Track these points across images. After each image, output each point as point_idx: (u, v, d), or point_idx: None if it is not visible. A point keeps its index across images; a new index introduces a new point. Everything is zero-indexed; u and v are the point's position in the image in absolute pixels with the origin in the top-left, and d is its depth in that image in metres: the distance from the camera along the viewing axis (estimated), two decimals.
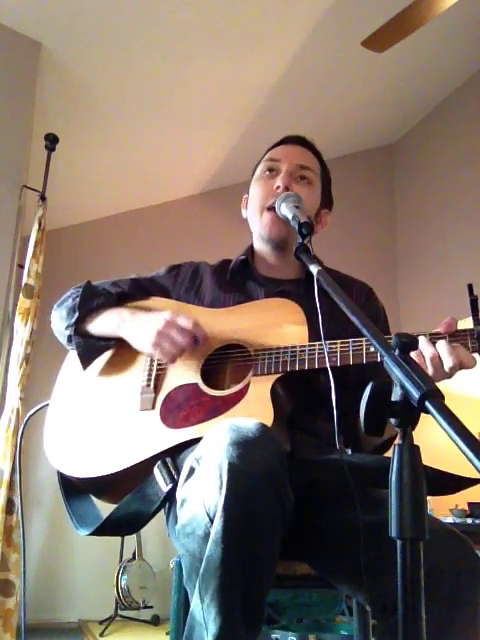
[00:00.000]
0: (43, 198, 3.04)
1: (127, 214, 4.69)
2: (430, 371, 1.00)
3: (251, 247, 1.41)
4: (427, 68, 4.19)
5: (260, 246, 1.38)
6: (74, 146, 3.64)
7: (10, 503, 2.62)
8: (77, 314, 1.27)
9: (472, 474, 0.77)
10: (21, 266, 2.99)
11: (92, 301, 1.29)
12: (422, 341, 1.03)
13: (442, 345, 1.01)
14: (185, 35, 3.31)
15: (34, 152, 3.15)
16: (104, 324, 1.28)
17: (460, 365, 1.00)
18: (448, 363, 0.99)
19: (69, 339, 1.30)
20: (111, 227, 4.63)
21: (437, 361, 1.00)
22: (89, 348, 1.29)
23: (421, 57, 3.97)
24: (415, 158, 4.96)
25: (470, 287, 1.05)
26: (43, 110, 3.28)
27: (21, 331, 2.81)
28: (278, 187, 1.28)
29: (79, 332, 1.28)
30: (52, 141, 3.12)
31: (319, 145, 1.38)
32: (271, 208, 1.27)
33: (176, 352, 1.16)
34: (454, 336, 1.04)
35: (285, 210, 1.17)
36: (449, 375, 1.02)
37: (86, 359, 1.29)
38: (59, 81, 3.42)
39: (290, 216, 1.14)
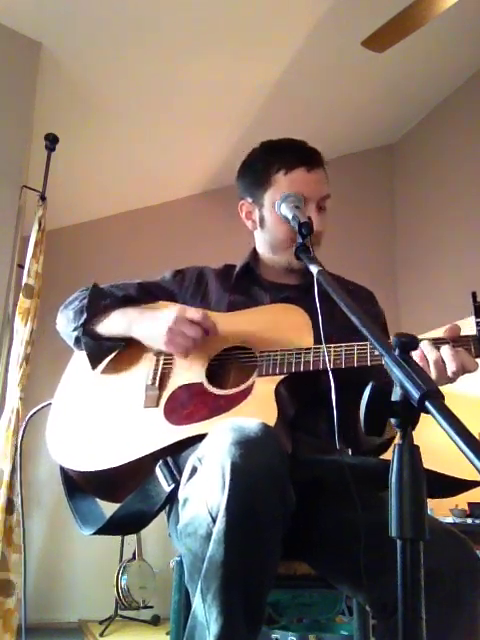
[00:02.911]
0: (43, 198, 3.04)
1: (127, 214, 4.69)
2: (433, 375, 1.01)
3: (254, 252, 1.42)
4: (427, 68, 4.18)
5: (275, 262, 1.37)
6: (74, 146, 3.64)
7: (10, 503, 2.62)
8: (85, 315, 1.28)
9: (472, 475, 0.77)
10: (21, 266, 2.99)
11: (99, 302, 1.30)
12: (425, 345, 1.04)
13: (445, 349, 1.02)
14: (185, 35, 3.31)
15: (34, 152, 3.15)
16: (114, 324, 1.28)
17: (463, 369, 1.01)
18: (451, 367, 1.00)
19: (77, 340, 1.30)
20: (111, 227, 4.63)
21: (440, 365, 1.01)
22: (99, 349, 1.30)
23: (421, 57, 3.97)
24: (415, 158, 4.96)
25: (474, 295, 1.06)
26: (43, 110, 3.28)
27: (21, 331, 2.81)
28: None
29: (88, 333, 1.29)
30: (52, 141, 3.12)
31: (319, 145, 1.37)
32: None
33: (190, 345, 1.17)
34: (457, 342, 1.05)
35: (285, 210, 1.17)
36: (452, 379, 1.02)
37: (95, 359, 1.30)
38: (59, 81, 3.42)
39: (290, 216, 1.14)
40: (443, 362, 1.01)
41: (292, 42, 3.57)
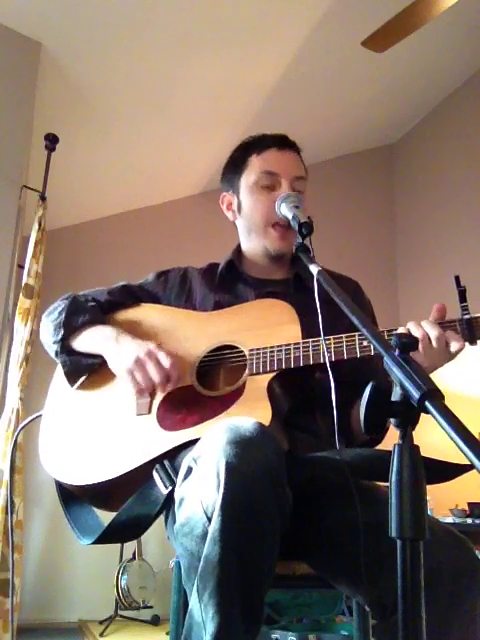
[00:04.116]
0: (43, 198, 3.05)
1: (127, 214, 4.69)
2: (420, 349, 1.03)
3: (238, 249, 1.42)
4: (427, 68, 4.18)
5: (254, 251, 1.38)
6: (74, 146, 3.64)
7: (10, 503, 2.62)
8: (62, 332, 1.27)
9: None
10: (21, 266, 2.99)
11: (77, 318, 1.28)
12: (411, 325, 1.06)
13: (431, 327, 1.04)
14: (185, 35, 3.31)
15: (34, 152, 3.15)
16: (89, 341, 1.27)
17: (447, 344, 1.03)
18: (437, 343, 1.03)
19: (56, 354, 1.30)
20: (111, 227, 4.63)
21: (426, 341, 1.03)
22: (75, 366, 1.28)
23: (421, 57, 3.97)
24: (415, 158, 4.96)
25: (457, 278, 1.08)
26: (43, 110, 3.28)
27: (21, 331, 2.81)
28: None
29: (65, 349, 1.28)
30: (52, 141, 3.13)
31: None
32: (276, 224, 1.29)
33: (146, 385, 1.16)
34: (443, 325, 1.06)
35: (285, 210, 1.18)
36: (438, 357, 1.04)
37: (72, 377, 1.29)
38: (59, 81, 3.42)
39: (290, 216, 1.15)
40: (429, 338, 1.03)
41: (292, 42, 3.57)
